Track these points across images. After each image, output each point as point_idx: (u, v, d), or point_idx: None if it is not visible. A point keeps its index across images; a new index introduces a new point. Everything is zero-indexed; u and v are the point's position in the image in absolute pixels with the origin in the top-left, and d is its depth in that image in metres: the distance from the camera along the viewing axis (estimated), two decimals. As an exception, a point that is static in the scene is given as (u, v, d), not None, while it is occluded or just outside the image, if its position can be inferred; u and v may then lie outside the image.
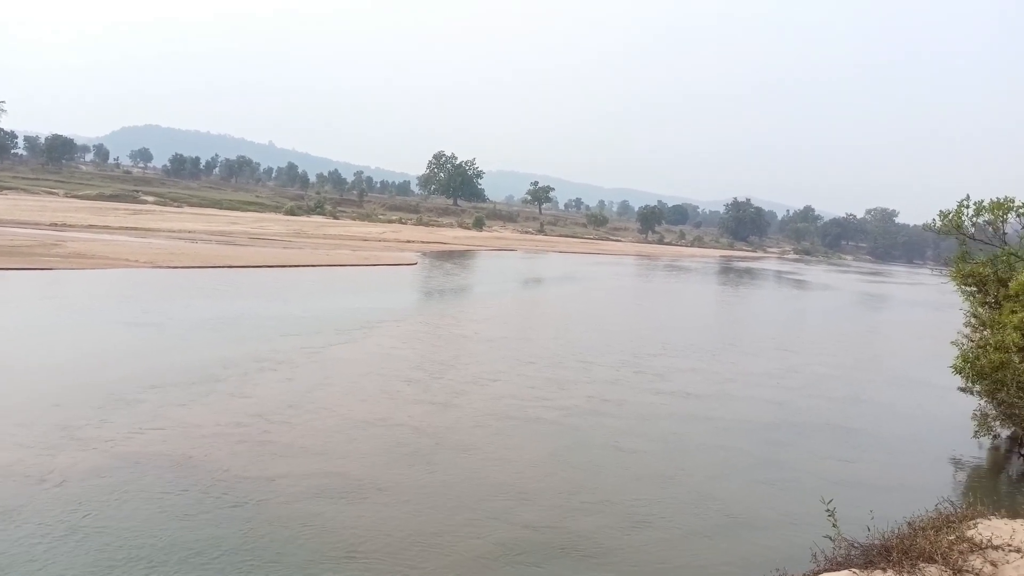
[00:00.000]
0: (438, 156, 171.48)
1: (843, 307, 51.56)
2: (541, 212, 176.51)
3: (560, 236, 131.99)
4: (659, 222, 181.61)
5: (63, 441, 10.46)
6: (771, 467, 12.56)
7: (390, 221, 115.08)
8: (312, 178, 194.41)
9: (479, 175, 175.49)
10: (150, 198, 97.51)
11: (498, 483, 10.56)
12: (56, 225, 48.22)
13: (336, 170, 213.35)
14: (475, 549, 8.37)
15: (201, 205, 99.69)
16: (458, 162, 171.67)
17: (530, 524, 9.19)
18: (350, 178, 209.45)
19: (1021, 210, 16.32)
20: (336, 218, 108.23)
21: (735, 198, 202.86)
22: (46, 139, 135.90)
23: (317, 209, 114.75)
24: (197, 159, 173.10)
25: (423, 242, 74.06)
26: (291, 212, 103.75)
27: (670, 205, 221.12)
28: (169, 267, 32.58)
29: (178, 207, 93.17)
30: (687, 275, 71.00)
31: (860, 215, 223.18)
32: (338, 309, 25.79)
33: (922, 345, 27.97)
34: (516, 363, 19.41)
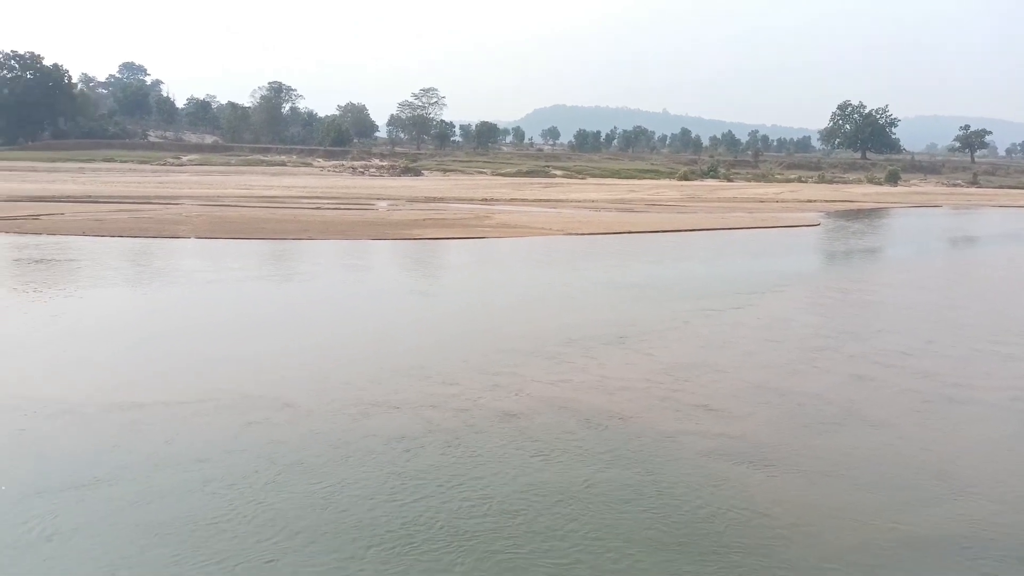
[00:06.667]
0: (843, 106, 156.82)
1: None
2: (974, 161, 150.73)
3: (1001, 188, 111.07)
4: None
5: (486, 385, 12.15)
6: None
7: (788, 180, 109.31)
8: (705, 142, 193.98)
9: (893, 123, 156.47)
10: (558, 172, 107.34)
11: (918, 465, 9.48)
12: (486, 200, 55.89)
13: (730, 131, 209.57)
14: (895, 535, 7.67)
15: (602, 175, 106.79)
16: (867, 111, 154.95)
17: (965, 517, 8.08)
18: (744, 139, 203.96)
19: None
20: (730, 180, 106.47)
21: None
22: (475, 126, 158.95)
23: (710, 173, 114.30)
24: (598, 133, 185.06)
25: (826, 201, 68.70)
26: (684, 177, 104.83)
27: None
28: (578, 234, 35.54)
29: (582, 179, 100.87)
30: None
31: None
32: (734, 273, 25.45)
33: None
34: (943, 334, 17.01)
